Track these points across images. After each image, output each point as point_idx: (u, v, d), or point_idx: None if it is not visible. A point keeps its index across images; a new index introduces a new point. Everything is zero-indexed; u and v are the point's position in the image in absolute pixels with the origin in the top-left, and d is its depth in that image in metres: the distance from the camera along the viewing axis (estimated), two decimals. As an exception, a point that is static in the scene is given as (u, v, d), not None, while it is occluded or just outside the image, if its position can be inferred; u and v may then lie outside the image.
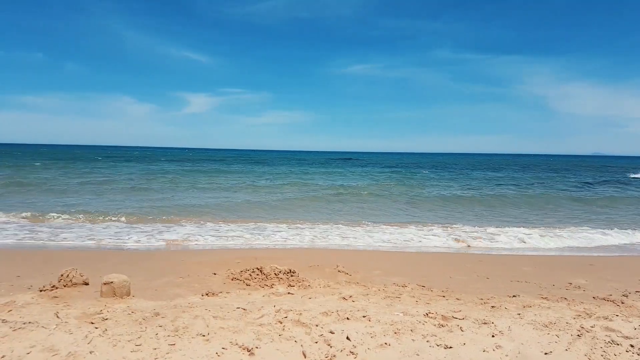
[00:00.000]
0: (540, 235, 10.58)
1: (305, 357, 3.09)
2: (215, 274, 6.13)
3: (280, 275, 5.64)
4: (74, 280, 5.10)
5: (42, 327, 3.43)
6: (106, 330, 3.41)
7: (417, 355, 3.16)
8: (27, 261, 7.12)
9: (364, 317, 3.88)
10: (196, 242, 9.29)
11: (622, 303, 4.86)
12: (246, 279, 5.67)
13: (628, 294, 5.50)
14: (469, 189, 23.77)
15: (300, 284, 5.45)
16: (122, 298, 4.58)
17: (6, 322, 3.52)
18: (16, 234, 9.42)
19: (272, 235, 10.13)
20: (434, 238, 10.17)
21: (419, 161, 75.97)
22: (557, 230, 11.42)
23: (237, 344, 3.20)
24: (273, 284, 5.40)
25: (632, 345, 3.33)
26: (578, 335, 3.55)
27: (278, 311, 3.99)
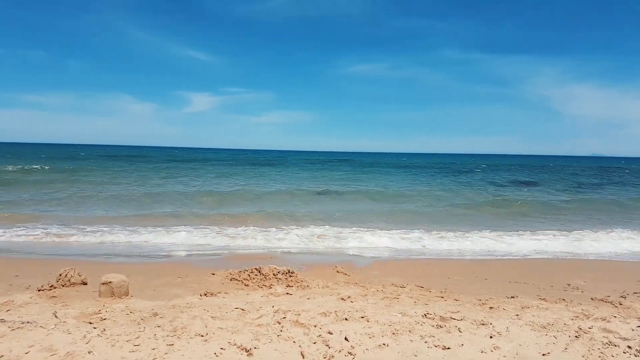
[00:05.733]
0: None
1: (303, 357, 3.09)
2: (213, 274, 6.13)
3: (279, 276, 5.64)
4: (72, 280, 5.10)
5: (41, 326, 3.43)
6: (104, 330, 3.41)
7: (415, 356, 3.17)
8: (25, 261, 7.11)
9: (362, 317, 3.88)
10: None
11: (620, 304, 4.87)
12: (245, 279, 5.67)
13: (626, 296, 5.51)
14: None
15: (298, 284, 5.45)
16: (120, 298, 4.58)
17: (4, 321, 3.52)
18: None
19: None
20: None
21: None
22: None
23: (235, 344, 3.21)
24: (272, 284, 5.40)
25: (629, 347, 3.34)
26: (576, 336, 3.55)
27: (277, 311, 4.00)
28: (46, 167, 29.31)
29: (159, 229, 10.21)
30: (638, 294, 5.61)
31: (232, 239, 9.60)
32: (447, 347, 3.30)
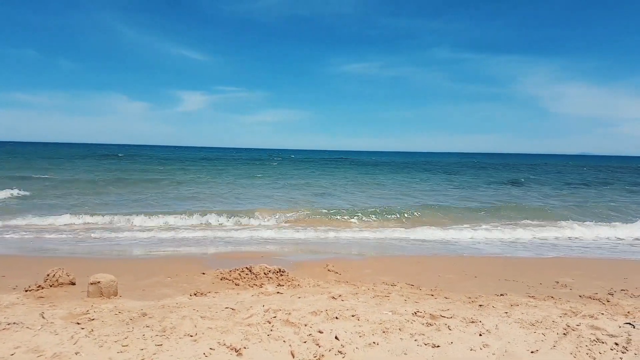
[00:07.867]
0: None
1: (293, 357, 3.08)
2: (204, 273, 6.10)
3: (270, 275, 5.63)
4: (60, 280, 5.04)
5: (27, 327, 3.38)
6: (92, 330, 3.37)
7: (405, 354, 3.18)
8: (13, 260, 7.02)
9: (352, 316, 3.88)
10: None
11: (608, 302, 4.93)
12: (235, 278, 5.64)
13: (613, 293, 5.58)
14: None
15: (289, 283, 5.44)
16: (109, 298, 4.53)
17: (-10, 323, 3.46)
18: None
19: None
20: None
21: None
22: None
23: (225, 344, 3.19)
24: (262, 284, 5.39)
25: (616, 344, 3.37)
26: (564, 333, 3.58)
27: (267, 311, 3.98)
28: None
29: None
30: (625, 291, 5.68)
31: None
32: (436, 345, 3.31)
